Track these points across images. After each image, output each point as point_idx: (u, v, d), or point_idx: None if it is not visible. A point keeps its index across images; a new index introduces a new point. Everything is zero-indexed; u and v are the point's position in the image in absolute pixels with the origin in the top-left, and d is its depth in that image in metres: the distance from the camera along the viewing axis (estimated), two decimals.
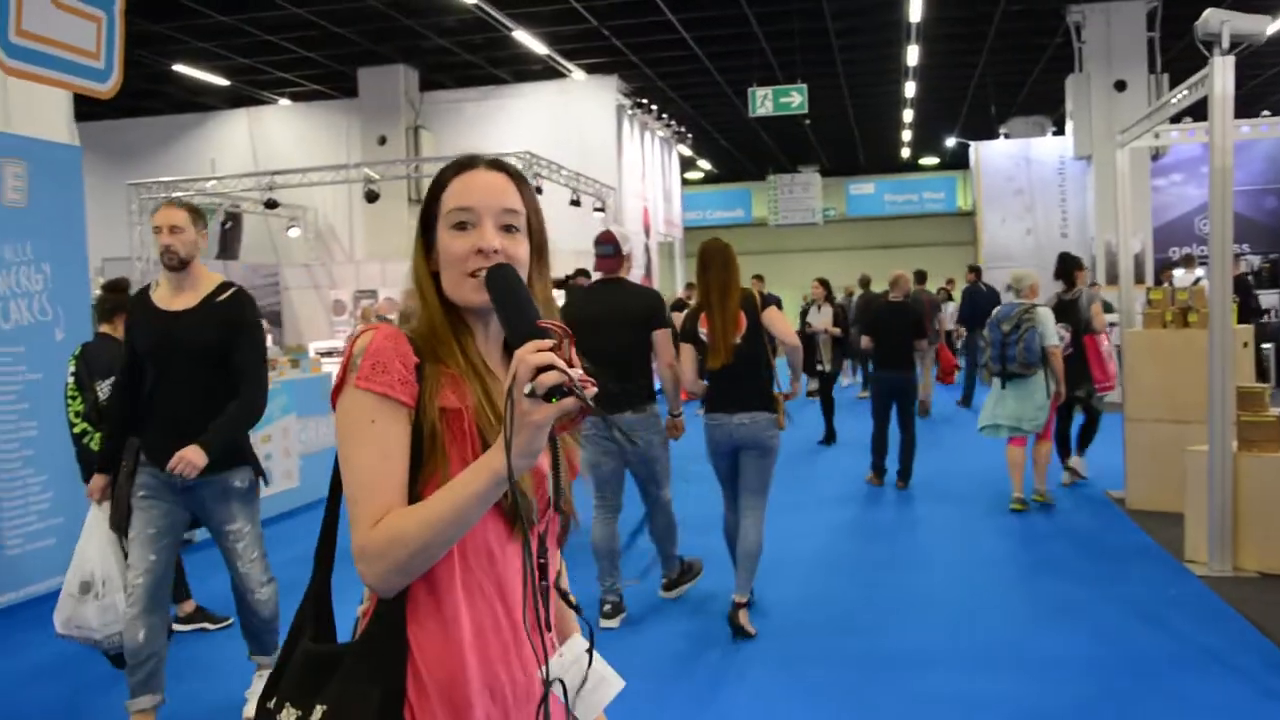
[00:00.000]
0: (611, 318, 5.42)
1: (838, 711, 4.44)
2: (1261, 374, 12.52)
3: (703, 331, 5.47)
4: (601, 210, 19.17)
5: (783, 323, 5.53)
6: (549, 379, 1.30)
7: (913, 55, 19.27)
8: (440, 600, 1.52)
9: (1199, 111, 7.91)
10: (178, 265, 4.16)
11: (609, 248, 5.67)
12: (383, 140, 20.06)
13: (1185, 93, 6.83)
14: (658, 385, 5.87)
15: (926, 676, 4.79)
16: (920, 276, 15.89)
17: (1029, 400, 7.87)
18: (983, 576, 6.34)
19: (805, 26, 17.83)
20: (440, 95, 20.98)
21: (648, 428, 5.56)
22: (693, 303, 5.54)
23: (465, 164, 1.64)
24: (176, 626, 5.77)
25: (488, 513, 1.46)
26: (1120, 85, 16.82)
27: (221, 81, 20.42)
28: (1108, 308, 16.38)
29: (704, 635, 5.45)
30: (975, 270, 16.61)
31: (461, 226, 1.58)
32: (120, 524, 4.25)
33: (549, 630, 1.61)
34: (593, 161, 19.64)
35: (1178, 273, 15.18)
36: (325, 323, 19.53)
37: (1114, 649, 5.03)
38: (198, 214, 4.29)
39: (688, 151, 29.19)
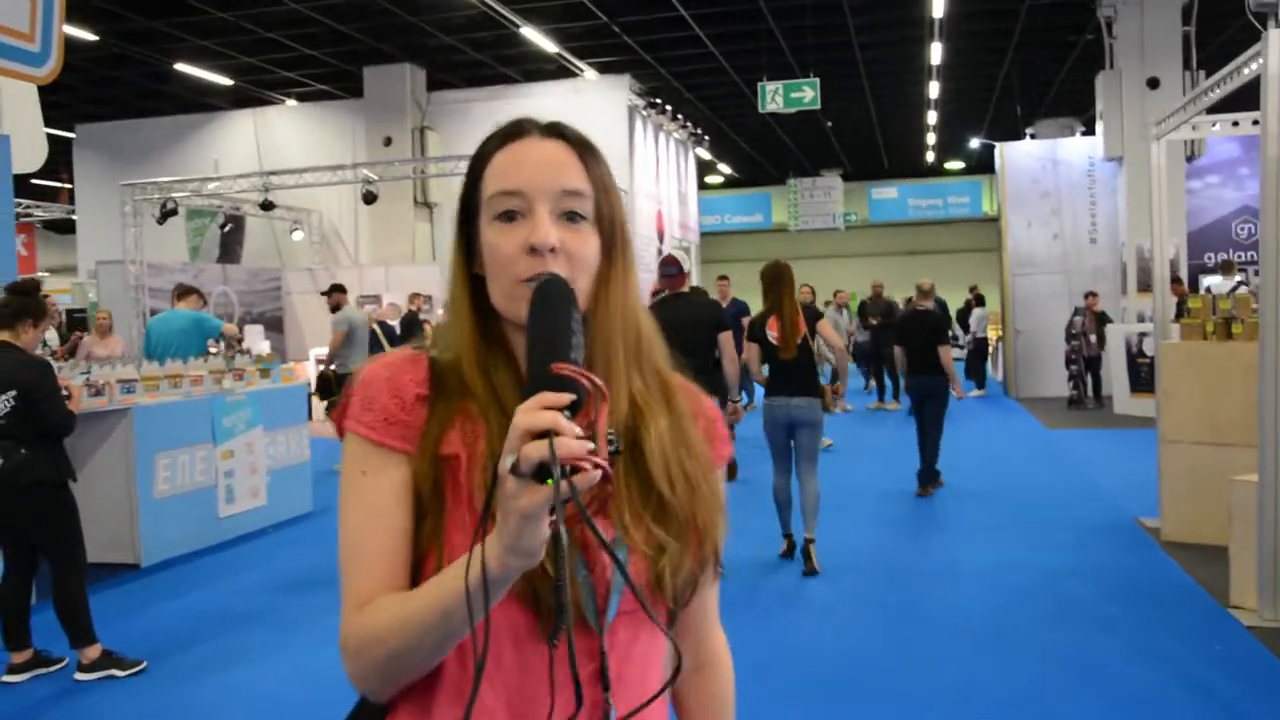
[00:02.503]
0: (682, 325, 6.19)
1: None
2: None
3: (771, 334, 6.81)
4: None
5: (831, 331, 7.19)
6: (534, 451, 0.93)
7: (936, 53, 18.56)
8: (426, 712, 1.16)
9: (1234, 107, 7.23)
10: None
11: (673, 268, 6.90)
12: (388, 141, 19.49)
13: (1231, 75, 6.08)
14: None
15: None
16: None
17: None
18: (991, 626, 5.55)
19: (822, 23, 17.16)
20: (448, 95, 20.42)
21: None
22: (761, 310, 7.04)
23: (512, 131, 1.23)
24: (8, 678, 5.14)
25: (507, 601, 1.09)
26: (1153, 83, 16.04)
27: (225, 81, 19.94)
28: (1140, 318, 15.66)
29: None
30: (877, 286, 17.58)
31: (509, 216, 1.18)
32: None
33: None
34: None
35: (1215, 279, 14.37)
36: (328, 328, 18.97)
37: None
38: None
39: (706, 155, 28.53)
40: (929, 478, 9.34)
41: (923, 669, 4.96)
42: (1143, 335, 14.21)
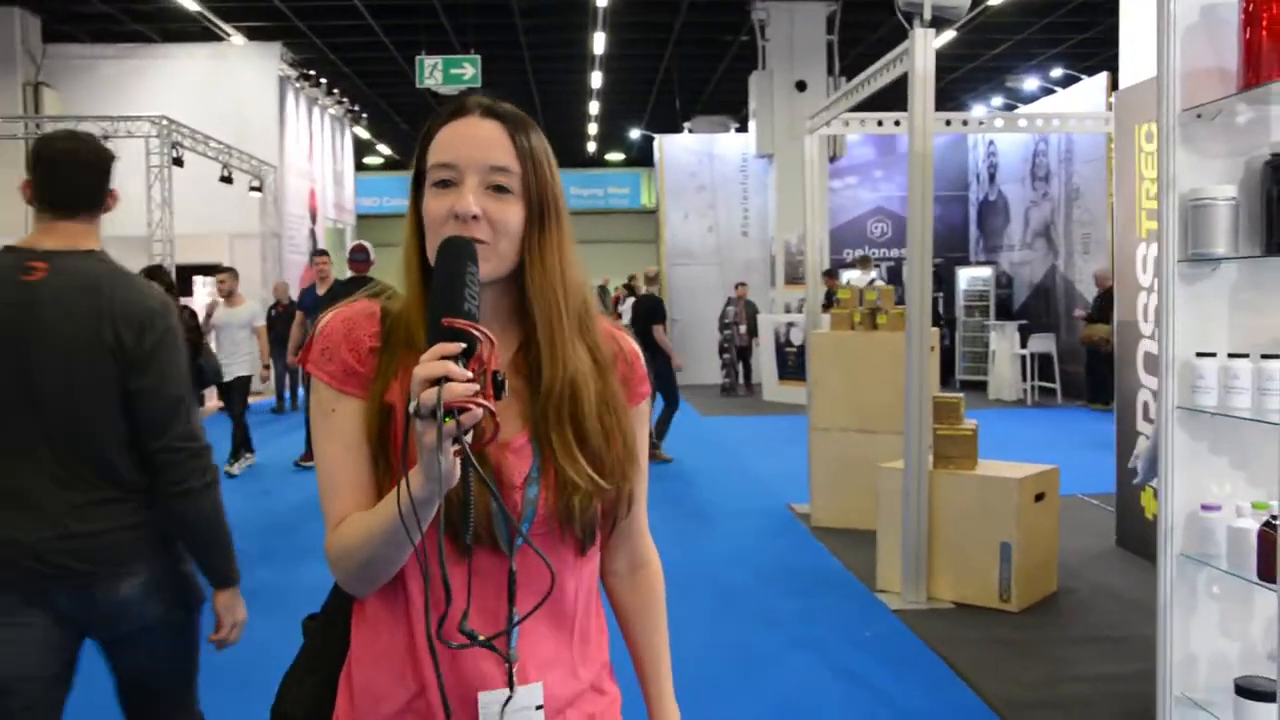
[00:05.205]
0: None
1: None
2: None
3: None
4: (259, 190, 17.31)
5: None
6: (427, 398, 1.14)
7: (599, 43, 18.61)
8: (387, 603, 1.40)
9: (877, 107, 7.52)
10: None
11: (362, 254, 7.89)
12: None
13: (881, 71, 6.22)
14: None
15: None
16: None
17: None
18: None
19: (484, 1, 16.74)
20: (69, 49, 18.27)
21: None
22: None
23: (455, 110, 1.41)
24: None
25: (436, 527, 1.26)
26: (801, 85, 16.82)
27: None
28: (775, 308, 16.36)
29: None
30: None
31: (444, 185, 1.36)
32: None
33: (507, 662, 1.37)
34: (252, 136, 17.76)
35: (853, 273, 15.24)
36: None
37: (802, 718, 4.22)
38: None
39: (365, 134, 27.43)
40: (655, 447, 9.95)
41: None
42: (790, 325, 14.85)
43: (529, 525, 1.38)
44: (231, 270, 10.26)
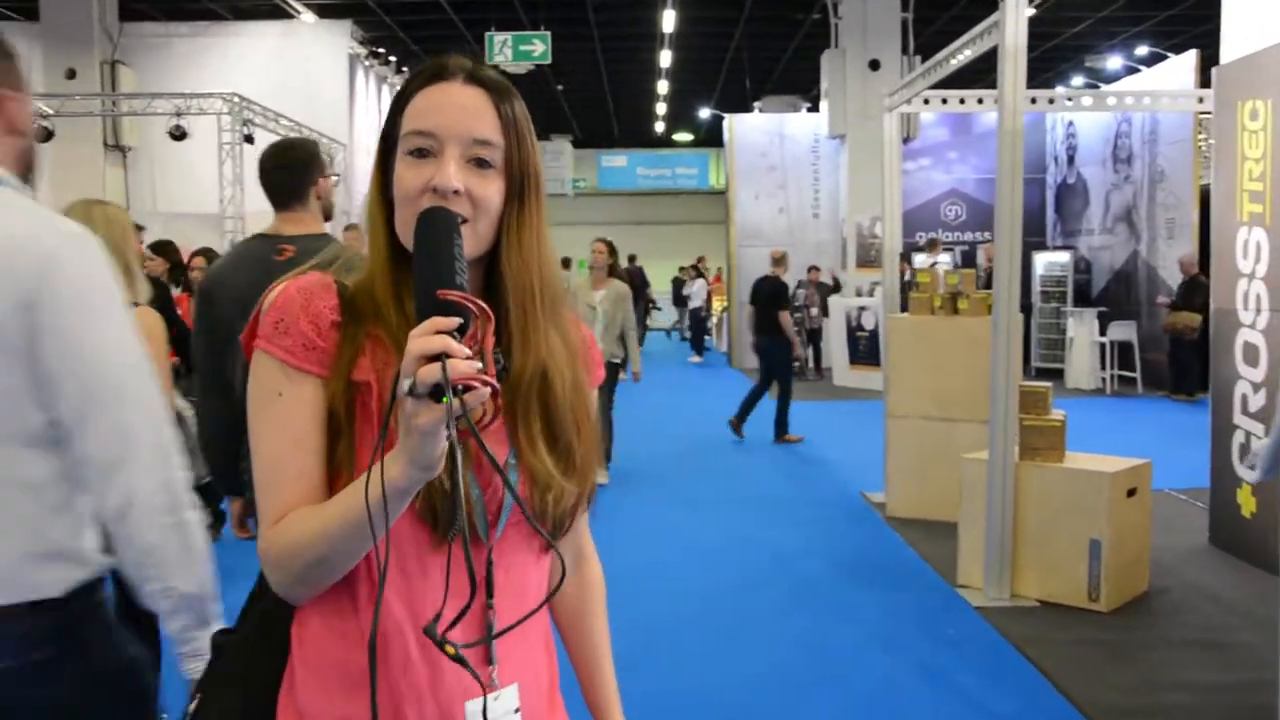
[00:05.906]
0: None
1: None
2: None
3: None
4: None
5: None
6: (429, 374, 1.03)
7: (669, 21, 18.39)
8: (337, 608, 1.26)
9: (950, 87, 7.24)
10: None
11: None
12: (72, 74, 17.34)
13: (969, 44, 5.97)
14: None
15: None
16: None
17: None
18: (728, 609, 5.22)
19: None
20: (145, 28, 18.46)
21: None
22: None
23: (436, 73, 1.29)
24: None
25: (410, 517, 1.20)
26: (874, 64, 16.47)
27: None
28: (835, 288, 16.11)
29: None
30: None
31: (420, 154, 1.25)
32: None
33: (489, 664, 1.28)
34: (322, 114, 17.77)
35: (919, 257, 14.89)
36: None
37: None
38: None
39: None
40: (783, 429, 10.13)
41: (651, 656, 4.53)
42: (861, 309, 14.57)
43: (508, 513, 1.28)
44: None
